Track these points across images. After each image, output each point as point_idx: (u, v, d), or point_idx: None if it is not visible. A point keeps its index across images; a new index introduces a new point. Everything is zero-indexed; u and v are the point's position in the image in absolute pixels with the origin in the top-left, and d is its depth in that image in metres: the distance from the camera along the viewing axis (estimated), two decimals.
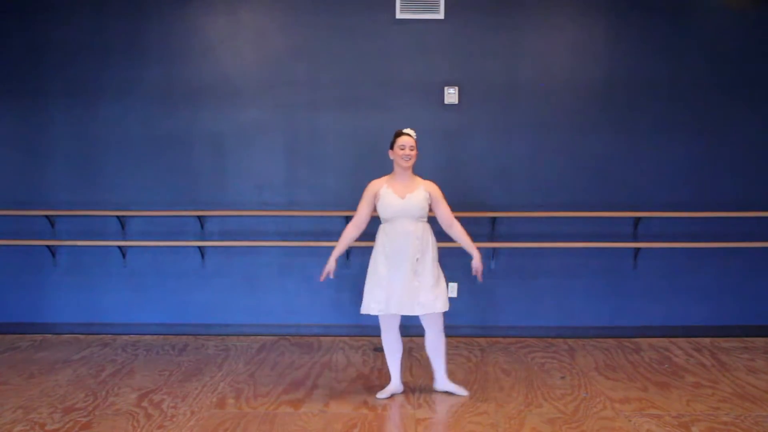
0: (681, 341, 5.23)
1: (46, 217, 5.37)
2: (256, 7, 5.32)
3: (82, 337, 5.36)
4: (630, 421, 3.56)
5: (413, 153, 3.81)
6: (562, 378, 4.31)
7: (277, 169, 5.35)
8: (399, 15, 5.24)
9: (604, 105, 5.29)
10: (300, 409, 3.74)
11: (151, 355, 4.86)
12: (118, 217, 5.35)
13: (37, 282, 5.44)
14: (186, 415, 3.63)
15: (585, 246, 5.25)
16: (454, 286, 5.24)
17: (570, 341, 5.23)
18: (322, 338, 5.32)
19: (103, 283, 5.42)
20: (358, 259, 5.18)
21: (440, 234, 3.96)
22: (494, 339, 5.30)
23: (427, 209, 3.83)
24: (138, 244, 5.36)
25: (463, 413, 3.68)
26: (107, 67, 5.31)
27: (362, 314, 3.87)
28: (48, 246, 5.39)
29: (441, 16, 5.24)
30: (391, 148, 3.84)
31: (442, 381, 3.99)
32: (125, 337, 5.33)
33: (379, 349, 4.15)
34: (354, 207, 3.97)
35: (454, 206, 4.03)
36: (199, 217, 5.34)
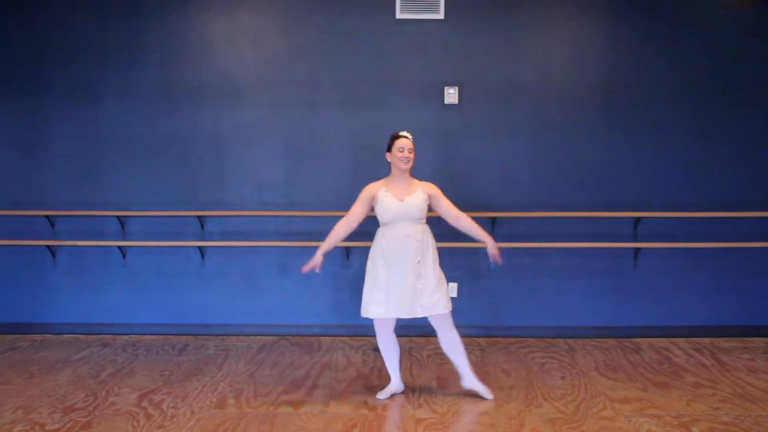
0: (681, 341, 5.23)
1: (46, 217, 5.37)
2: (256, 7, 5.32)
3: (82, 337, 5.36)
4: (630, 421, 3.56)
5: (412, 155, 3.80)
6: (562, 378, 4.31)
7: (277, 169, 5.35)
8: (399, 15, 5.24)
9: (604, 105, 5.29)
10: (300, 409, 3.74)
11: (151, 355, 4.86)
12: (118, 217, 5.35)
13: (37, 282, 5.44)
14: (186, 415, 3.63)
15: (585, 246, 5.25)
16: (454, 286, 5.24)
17: (570, 341, 5.23)
18: (322, 338, 5.32)
19: (103, 283, 5.42)
20: (358, 259, 5.19)
21: (439, 235, 3.96)
22: (494, 339, 5.30)
23: (426, 211, 3.82)
24: (138, 244, 5.36)
25: (463, 413, 3.68)
26: (107, 67, 5.32)
27: (362, 316, 3.87)
28: (48, 246, 5.39)
29: (441, 16, 5.24)
30: (389, 150, 3.83)
31: (468, 379, 3.92)
32: (125, 337, 5.33)
33: (378, 350, 4.15)
34: None
35: None
36: (199, 217, 5.34)
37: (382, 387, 4.01)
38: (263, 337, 5.36)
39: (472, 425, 3.51)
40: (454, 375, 4.24)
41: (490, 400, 3.87)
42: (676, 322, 5.36)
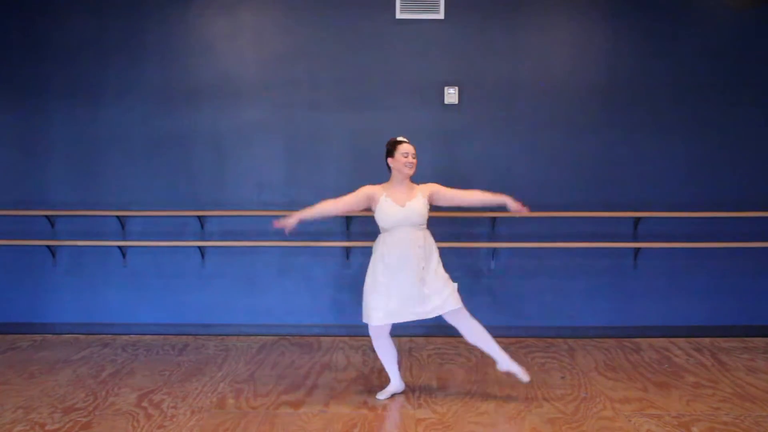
0: (681, 341, 5.23)
1: (46, 217, 5.37)
2: (256, 6, 5.32)
3: (82, 337, 5.36)
4: (630, 421, 3.56)
5: (415, 161, 3.80)
6: (562, 378, 4.31)
7: (277, 168, 5.35)
8: (399, 15, 5.25)
9: (604, 105, 5.29)
10: (300, 409, 3.74)
11: (151, 355, 4.86)
12: (118, 217, 5.35)
13: (37, 282, 5.44)
14: (186, 415, 3.62)
15: (585, 246, 5.25)
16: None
17: (570, 341, 5.23)
18: (322, 338, 5.32)
19: (103, 283, 5.42)
20: (358, 259, 5.18)
21: (440, 235, 3.95)
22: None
23: (426, 216, 3.80)
24: (138, 244, 5.36)
25: (463, 413, 3.68)
26: (107, 67, 5.32)
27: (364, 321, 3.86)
28: (48, 246, 5.39)
29: (441, 16, 5.24)
30: (390, 156, 3.80)
31: (503, 361, 3.86)
32: (125, 337, 5.33)
33: None
34: None
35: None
36: (199, 217, 5.34)
37: (382, 387, 4.01)
38: (263, 337, 5.36)
39: (472, 425, 3.51)
40: (454, 375, 4.24)
41: (527, 381, 3.86)
42: (676, 322, 5.36)
